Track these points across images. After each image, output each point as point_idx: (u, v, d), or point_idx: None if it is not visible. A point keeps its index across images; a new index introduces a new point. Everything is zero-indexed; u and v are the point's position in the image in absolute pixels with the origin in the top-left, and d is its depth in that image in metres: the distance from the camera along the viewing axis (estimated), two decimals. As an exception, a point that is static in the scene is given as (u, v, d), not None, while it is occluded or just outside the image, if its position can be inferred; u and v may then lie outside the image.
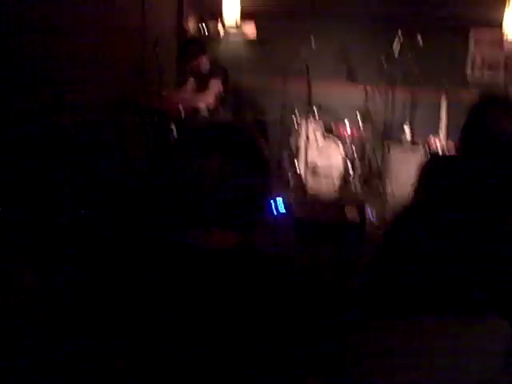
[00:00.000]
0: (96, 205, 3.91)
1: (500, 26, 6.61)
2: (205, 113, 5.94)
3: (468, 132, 2.16)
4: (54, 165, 3.73)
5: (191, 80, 6.21)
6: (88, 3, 5.14)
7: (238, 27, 7.36)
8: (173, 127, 5.80)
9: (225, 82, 6.05)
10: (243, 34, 7.43)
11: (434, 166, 2.50)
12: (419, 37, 5.89)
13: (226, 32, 7.40)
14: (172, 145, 5.68)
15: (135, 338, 1.35)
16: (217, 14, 7.34)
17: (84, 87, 5.03)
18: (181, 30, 7.44)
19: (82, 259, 2.92)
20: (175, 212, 1.39)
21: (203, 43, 6.21)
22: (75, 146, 4.16)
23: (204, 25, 7.53)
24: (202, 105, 5.91)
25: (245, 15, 7.31)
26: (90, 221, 3.54)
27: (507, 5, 6.52)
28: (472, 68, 7.02)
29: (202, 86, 6.03)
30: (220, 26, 7.40)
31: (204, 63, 5.98)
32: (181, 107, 5.82)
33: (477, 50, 6.98)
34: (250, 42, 7.49)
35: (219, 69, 6.08)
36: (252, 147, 1.41)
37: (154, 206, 4.15)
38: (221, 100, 5.90)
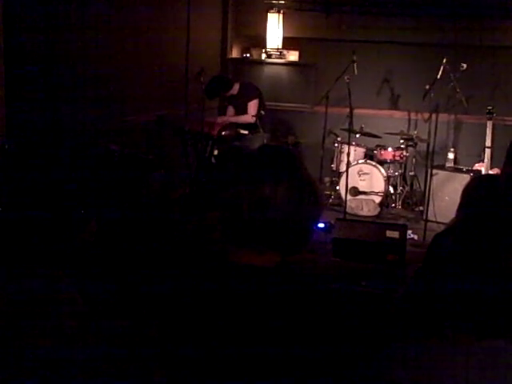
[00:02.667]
0: (143, 219, 3.98)
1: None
2: (247, 136, 6.06)
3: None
4: (101, 184, 3.83)
5: (230, 108, 6.44)
6: (139, 34, 5.32)
7: (280, 53, 7.47)
8: (215, 149, 5.92)
9: (261, 102, 6.24)
10: (286, 60, 7.53)
11: (477, 184, 2.48)
12: (464, 64, 5.85)
13: (268, 57, 7.51)
14: (216, 166, 5.78)
15: (174, 345, 1.36)
16: (260, 42, 7.46)
17: (134, 113, 5.21)
18: (225, 59, 7.59)
19: (128, 269, 2.97)
20: (222, 229, 1.41)
21: (224, 80, 6.37)
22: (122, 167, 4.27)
23: (247, 52, 7.67)
24: (243, 129, 6.07)
25: (288, 42, 7.42)
26: (136, 235, 3.60)
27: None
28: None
29: (241, 110, 6.25)
30: (263, 52, 7.52)
31: (232, 93, 6.23)
32: (223, 131, 5.96)
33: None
34: (293, 68, 7.58)
35: (254, 91, 6.27)
36: (306, 175, 1.42)
37: (198, 222, 4.22)
38: (261, 120, 6.05)
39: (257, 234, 1.35)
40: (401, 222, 5.90)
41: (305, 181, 1.39)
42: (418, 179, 6.78)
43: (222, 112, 6.71)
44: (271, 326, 1.30)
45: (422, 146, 6.60)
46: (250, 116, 6.08)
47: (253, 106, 6.13)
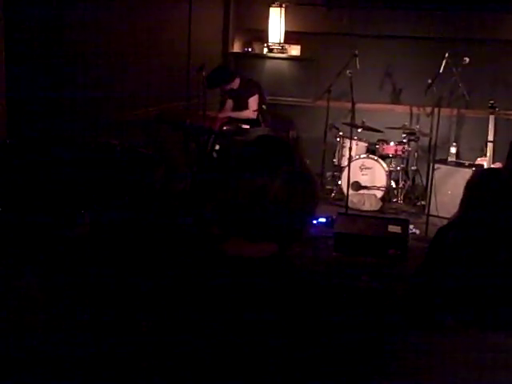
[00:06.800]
0: (142, 214, 3.97)
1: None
2: (248, 130, 6.05)
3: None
4: (99, 178, 3.82)
5: (229, 101, 6.40)
6: (140, 28, 5.30)
7: (282, 48, 7.45)
8: (216, 143, 5.91)
9: (261, 97, 6.22)
10: (288, 54, 7.51)
11: (479, 179, 2.47)
12: (467, 58, 5.82)
13: (270, 52, 7.50)
14: (216, 160, 5.78)
15: (168, 338, 1.36)
16: (262, 36, 7.44)
17: (135, 108, 5.20)
18: (226, 53, 7.57)
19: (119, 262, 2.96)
20: (219, 222, 1.40)
21: (227, 72, 6.32)
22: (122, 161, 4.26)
23: (249, 46, 7.66)
24: (244, 123, 6.06)
25: (289, 36, 7.39)
26: (135, 229, 3.59)
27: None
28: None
29: (240, 105, 6.22)
30: (265, 46, 7.50)
31: (232, 87, 6.18)
32: (225, 125, 5.95)
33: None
34: (295, 62, 7.56)
35: (254, 87, 6.24)
36: (304, 166, 1.41)
37: (197, 215, 4.21)
38: (262, 115, 6.03)
39: (253, 224, 1.35)
40: (403, 216, 5.89)
41: (301, 172, 1.39)
42: (420, 174, 6.76)
43: (222, 106, 6.68)
44: (267, 318, 1.29)
45: (424, 141, 6.59)
46: (251, 111, 6.08)
47: (253, 101, 6.11)
